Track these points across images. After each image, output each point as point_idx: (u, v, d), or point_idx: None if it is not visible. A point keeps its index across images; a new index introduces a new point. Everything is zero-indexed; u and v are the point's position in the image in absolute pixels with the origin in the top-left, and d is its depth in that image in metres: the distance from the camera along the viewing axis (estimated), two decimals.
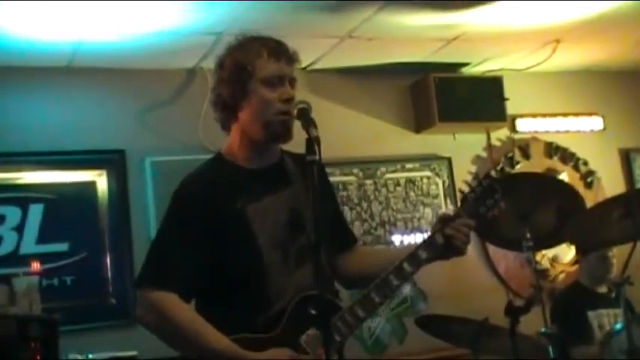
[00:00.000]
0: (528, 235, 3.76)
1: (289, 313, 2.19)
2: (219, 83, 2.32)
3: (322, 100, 5.06)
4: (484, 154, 5.57)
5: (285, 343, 2.15)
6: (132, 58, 4.56)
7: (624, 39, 5.29)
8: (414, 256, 2.30)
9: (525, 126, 5.69)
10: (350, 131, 5.18)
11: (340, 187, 5.13)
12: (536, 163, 5.67)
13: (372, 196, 5.25)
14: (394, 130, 5.39)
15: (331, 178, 4.79)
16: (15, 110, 4.46)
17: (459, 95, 5.25)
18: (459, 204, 2.41)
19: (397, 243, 5.23)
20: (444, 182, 5.45)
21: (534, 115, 5.73)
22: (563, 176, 5.63)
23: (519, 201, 3.65)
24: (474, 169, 5.52)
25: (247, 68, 2.24)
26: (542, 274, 5.25)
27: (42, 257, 4.28)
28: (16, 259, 4.27)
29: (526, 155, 5.67)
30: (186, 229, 2.22)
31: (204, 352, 2.13)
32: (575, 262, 5.24)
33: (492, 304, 3.90)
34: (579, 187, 5.37)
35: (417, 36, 4.74)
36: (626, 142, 6.04)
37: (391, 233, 5.25)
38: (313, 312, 2.16)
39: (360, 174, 5.24)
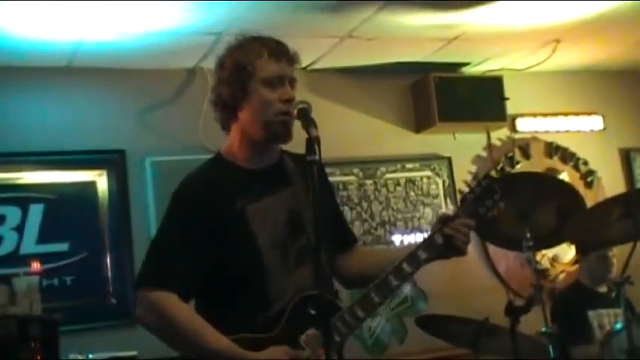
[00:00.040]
0: (528, 235, 3.76)
1: (289, 313, 2.19)
2: (219, 83, 2.32)
3: (322, 99, 5.06)
4: (484, 154, 5.57)
5: (284, 343, 2.15)
6: (132, 58, 4.56)
7: (624, 39, 5.29)
8: (413, 256, 2.30)
9: (525, 126, 5.69)
10: (350, 131, 5.18)
11: (340, 187, 5.13)
12: (537, 163, 5.67)
13: (372, 196, 5.25)
14: (394, 130, 5.39)
15: (331, 178, 4.82)
16: (15, 110, 4.46)
17: (459, 95, 5.25)
18: (458, 204, 2.41)
19: (397, 243, 5.23)
20: (444, 182, 5.45)
21: (534, 115, 5.73)
22: (564, 176, 5.63)
23: (519, 201, 3.65)
24: (474, 168, 5.52)
25: (248, 68, 2.24)
26: (543, 273, 5.25)
27: (42, 257, 4.28)
28: (16, 259, 4.28)
29: (526, 155, 5.67)
30: (186, 229, 2.22)
31: (204, 352, 2.13)
32: (576, 261, 5.24)
33: (492, 304, 3.90)
34: (579, 186, 5.37)
35: (417, 36, 4.74)
36: (627, 142, 6.04)
37: (391, 233, 5.25)
38: (313, 312, 2.16)
39: (360, 174, 5.24)
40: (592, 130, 5.87)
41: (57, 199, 4.44)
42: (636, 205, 3.62)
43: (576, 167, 5.80)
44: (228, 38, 2.39)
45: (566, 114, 5.81)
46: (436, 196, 5.41)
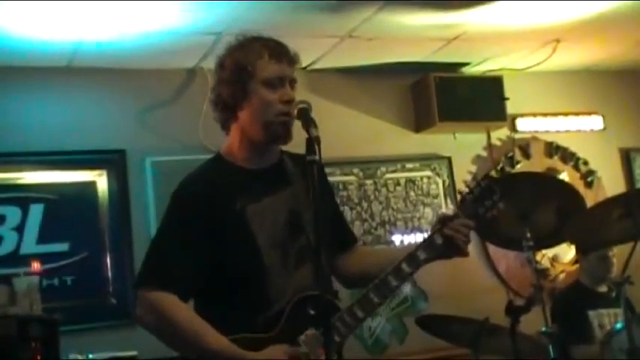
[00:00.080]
0: (528, 235, 3.76)
1: (288, 313, 2.20)
2: (219, 83, 2.32)
3: (322, 99, 5.06)
4: (484, 154, 5.57)
5: (283, 343, 2.15)
6: (132, 58, 4.56)
7: (624, 38, 5.29)
8: (412, 256, 2.30)
9: (525, 125, 5.69)
10: (350, 131, 5.18)
11: (340, 186, 5.13)
12: (537, 163, 5.67)
13: (373, 196, 5.25)
14: (394, 130, 5.39)
15: (331, 178, 4.83)
16: (15, 110, 4.46)
17: (459, 95, 5.25)
18: (458, 204, 2.41)
19: (397, 243, 5.23)
20: (444, 182, 5.45)
21: (534, 115, 5.73)
22: (564, 176, 5.63)
23: (519, 201, 3.65)
24: (474, 168, 5.52)
25: (248, 69, 2.24)
26: (543, 273, 5.25)
27: (42, 257, 4.28)
28: (16, 259, 4.27)
29: (526, 155, 5.67)
30: (186, 229, 2.22)
31: (203, 352, 2.13)
32: (576, 261, 5.24)
33: (493, 304, 3.90)
34: (579, 186, 5.37)
35: (417, 36, 4.74)
36: (627, 142, 6.04)
37: (391, 233, 5.25)
38: (312, 312, 2.16)
39: (361, 174, 5.24)
40: (592, 130, 5.87)
41: (57, 199, 4.44)
42: (636, 205, 3.62)
43: (576, 167, 5.80)
44: (229, 38, 2.39)
45: (566, 114, 5.81)
46: (436, 196, 5.41)
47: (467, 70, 5.50)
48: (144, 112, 4.77)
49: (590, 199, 4.87)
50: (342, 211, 4.71)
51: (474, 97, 5.28)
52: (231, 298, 2.23)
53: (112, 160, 4.61)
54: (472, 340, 3.69)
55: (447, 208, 5.30)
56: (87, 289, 4.41)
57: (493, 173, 2.47)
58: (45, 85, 4.56)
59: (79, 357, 3.86)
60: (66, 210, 4.45)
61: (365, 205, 5.22)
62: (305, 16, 4.24)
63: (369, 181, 5.26)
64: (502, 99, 5.33)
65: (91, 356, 3.87)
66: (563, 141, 5.80)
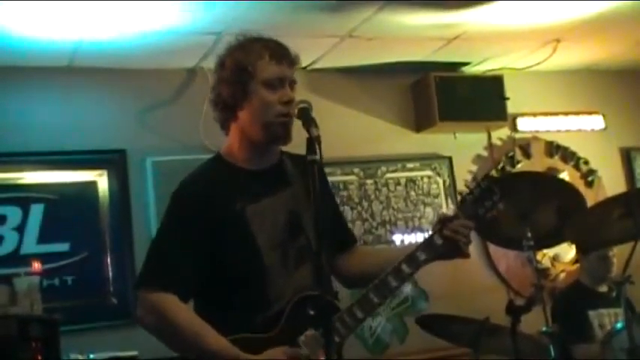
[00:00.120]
0: (529, 235, 3.76)
1: (288, 313, 2.20)
2: (219, 83, 2.32)
3: (323, 99, 5.06)
4: (485, 154, 5.57)
5: (283, 344, 2.15)
6: (132, 58, 4.56)
7: (625, 38, 5.29)
8: (412, 257, 2.30)
9: (526, 125, 5.69)
10: (350, 131, 5.18)
11: (341, 186, 5.13)
12: (537, 163, 5.67)
13: (373, 196, 5.25)
14: (395, 130, 5.39)
15: (332, 178, 4.83)
16: (15, 110, 4.46)
17: (460, 94, 5.24)
18: (458, 205, 2.41)
19: (398, 242, 5.23)
20: (444, 182, 5.44)
21: (535, 115, 5.73)
22: (564, 175, 5.63)
23: (520, 200, 3.65)
24: (474, 168, 5.52)
25: (248, 69, 2.25)
26: (543, 273, 5.25)
27: (43, 257, 4.28)
28: (16, 259, 4.28)
29: (527, 154, 5.67)
30: (186, 229, 2.22)
31: (203, 352, 2.13)
32: (576, 261, 5.24)
33: (493, 304, 3.90)
34: (580, 186, 5.36)
35: (417, 35, 4.74)
36: (627, 141, 6.04)
37: (392, 233, 5.25)
38: (312, 312, 2.17)
39: (361, 173, 5.24)
40: (592, 130, 5.86)
41: (57, 199, 4.45)
42: (637, 205, 3.61)
43: (577, 167, 5.80)
44: (229, 38, 2.39)
45: (566, 113, 5.81)
46: (437, 196, 5.41)
47: (467, 70, 5.50)
48: (144, 112, 4.77)
49: (591, 198, 4.87)
50: (343, 210, 4.76)
51: (475, 97, 5.28)
52: (231, 298, 2.23)
53: (113, 160, 4.61)
54: (472, 340, 3.69)
55: (448, 208, 5.31)
56: (87, 289, 4.41)
57: (494, 173, 2.48)
58: (45, 84, 4.56)
59: (80, 357, 3.86)
60: (66, 210, 4.45)
61: (365, 204, 5.22)
62: (305, 15, 4.24)
63: (369, 181, 5.26)
64: (502, 98, 5.32)
65: (91, 356, 3.87)
66: (563, 140, 5.80)
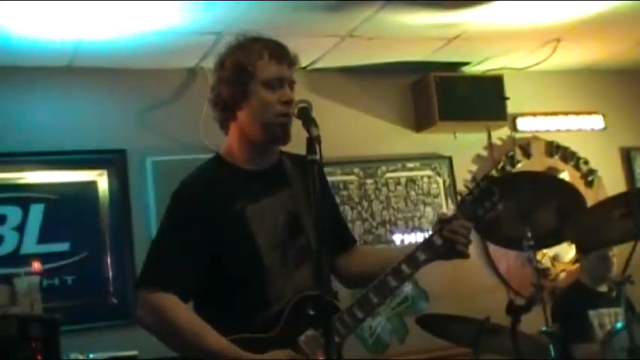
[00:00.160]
0: (529, 234, 3.76)
1: (287, 313, 2.20)
2: (219, 82, 2.32)
3: (323, 99, 5.06)
4: (485, 153, 5.57)
5: (283, 344, 2.16)
6: (132, 58, 4.56)
7: (625, 38, 5.29)
8: (412, 257, 2.30)
9: (526, 125, 5.69)
10: (351, 130, 5.18)
11: (341, 186, 5.13)
12: (537, 162, 5.67)
13: (373, 196, 5.25)
14: (395, 130, 5.39)
15: (332, 178, 4.83)
16: (15, 110, 4.46)
17: (460, 94, 5.24)
18: (457, 206, 2.41)
19: (398, 242, 5.23)
20: (444, 181, 5.44)
21: (535, 114, 5.73)
22: (564, 175, 5.63)
23: (520, 200, 3.65)
24: (474, 168, 5.52)
25: (248, 69, 2.25)
26: (543, 273, 5.25)
27: (43, 257, 4.29)
28: (17, 258, 4.28)
29: (527, 154, 5.67)
30: (186, 229, 2.22)
31: (204, 353, 2.13)
32: (576, 261, 5.24)
33: (493, 304, 3.90)
34: (580, 186, 5.36)
35: (417, 35, 4.74)
36: (627, 141, 6.04)
37: (392, 232, 5.25)
38: (312, 312, 2.17)
39: (361, 173, 5.24)
40: (593, 129, 5.86)
41: (57, 199, 4.45)
42: (637, 205, 3.61)
43: (577, 166, 5.80)
44: (229, 38, 2.39)
45: (566, 113, 5.81)
46: (437, 196, 5.41)
47: (467, 70, 5.50)
48: (144, 112, 4.77)
49: (591, 198, 4.86)
50: (343, 210, 4.77)
51: (475, 97, 5.28)
52: (230, 298, 2.23)
53: (113, 160, 4.61)
54: (473, 340, 3.69)
55: (448, 208, 5.31)
56: (87, 289, 4.41)
57: (494, 173, 2.48)
58: (45, 85, 4.56)
59: (80, 357, 3.86)
60: (66, 210, 4.45)
61: (365, 204, 5.22)
62: (305, 15, 4.24)
63: (369, 181, 5.26)
64: (502, 98, 5.32)
65: (91, 356, 3.87)
66: (563, 140, 5.80)
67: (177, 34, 4.29)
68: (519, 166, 5.60)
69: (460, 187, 5.07)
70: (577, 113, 5.84)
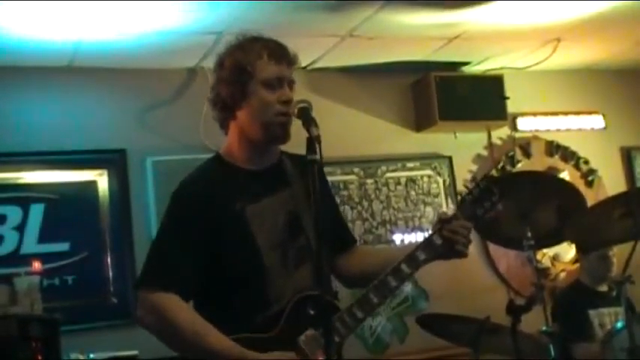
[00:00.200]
0: (529, 234, 3.76)
1: (287, 313, 2.20)
2: (218, 82, 2.33)
3: (323, 99, 5.06)
4: (485, 153, 5.57)
5: (283, 344, 2.15)
6: (132, 58, 4.56)
7: (625, 38, 5.29)
8: (412, 257, 2.30)
9: (526, 125, 5.69)
10: (351, 130, 5.18)
11: (341, 186, 5.13)
12: (537, 162, 5.67)
13: (373, 195, 5.25)
14: (395, 129, 5.39)
15: (332, 178, 4.83)
16: (15, 110, 4.46)
17: (460, 94, 5.24)
18: (457, 206, 2.41)
19: (398, 242, 5.23)
20: (444, 181, 5.44)
21: (535, 114, 5.73)
22: (564, 175, 5.63)
23: (520, 200, 3.65)
24: (474, 167, 5.52)
25: (247, 69, 2.25)
26: (544, 272, 5.25)
27: (43, 257, 4.29)
28: (17, 258, 4.28)
29: (527, 154, 5.67)
30: (186, 229, 2.22)
31: (205, 352, 2.13)
32: (576, 260, 5.24)
33: (493, 303, 3.90)
34: (580, 185, 5.36)
35: (417, 35, 4.74)
36: (627, 141, 6.04)
37: (392, 232, 5.25)
38: (312, 312, 2.17)
39: (361, 173, 5.24)
40: (593, 129, 5.86)
41: (58, 199, 4.45)
42: (637, 205, 3.61)
43: (577, 166, 5.80)
44: (229, 38, 2.39)
45: (566, 113, 5.81)
46: (437, 195, 5.41)
47: (467, 69, 5.50)
48: (144, 112, 4.77)
49: (591, 198, 4.87)
50: (343, 210, 4.77)
51: (475, 96, 5.27)
52: (230, 298, 2.23)
53: (113, 160, 4.61)
54: (473, 340, 3.69)
55: (448, 207, 5.31)
56: (87, 289, 4.41)
57: (494, 172, 2.48)
58: (45, 85, 4.56)
59: (80, 357, 3.86)
60: (66, 210, 4.45)
61: (366, 204, 5.22)
62: (305, 15, 4.24)
63: (369, 181, 5.26)
64: (502, 98, 5.32)
65: (91, 356, 3.87)
66: (563, 140, 5.80)
67: (177, 34, 4.29)
68: (519, 166, 5.60)
69: (460, 186, 5.07)
70: (577, 113, 5.83)
